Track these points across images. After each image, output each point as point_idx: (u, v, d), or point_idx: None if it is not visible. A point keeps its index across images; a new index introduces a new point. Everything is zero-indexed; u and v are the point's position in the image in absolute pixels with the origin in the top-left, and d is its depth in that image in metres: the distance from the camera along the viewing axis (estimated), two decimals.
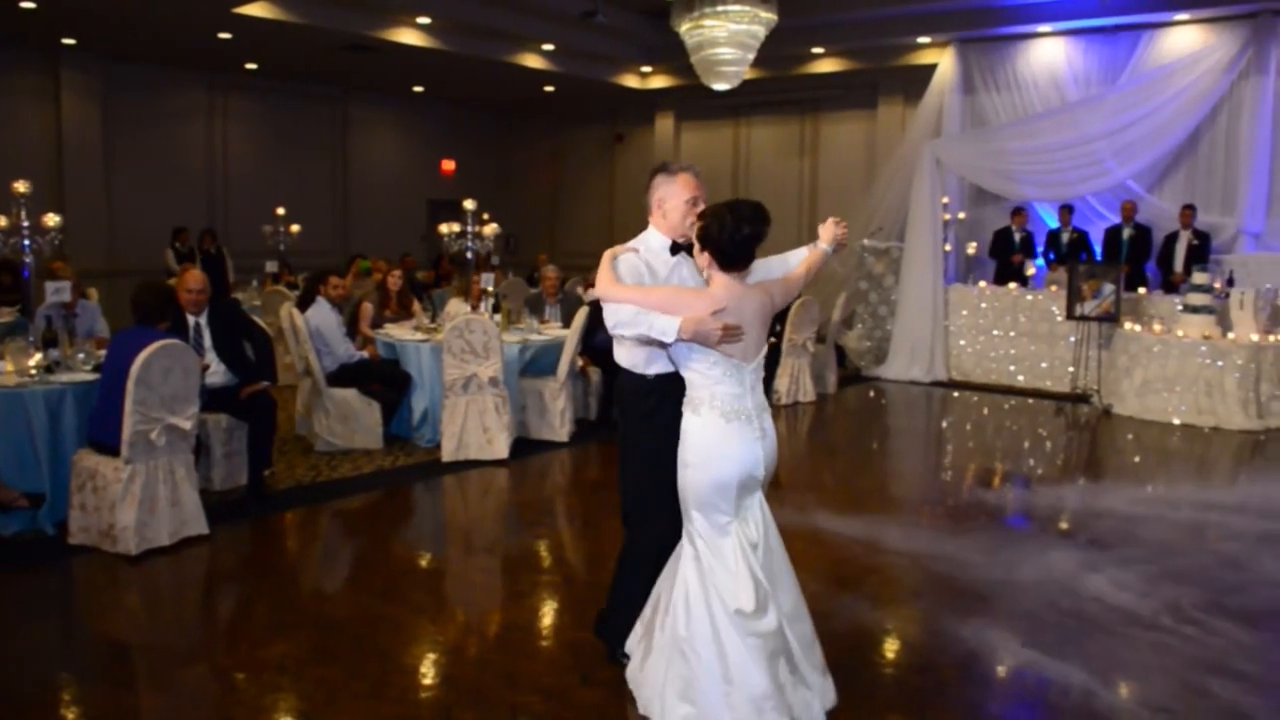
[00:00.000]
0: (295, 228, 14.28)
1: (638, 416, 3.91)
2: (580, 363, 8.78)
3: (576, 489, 7.43)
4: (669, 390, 3.74)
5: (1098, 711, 3.90)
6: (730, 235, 3.47)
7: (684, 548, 3.65)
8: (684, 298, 3.51)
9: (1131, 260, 11.92)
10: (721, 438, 3.52)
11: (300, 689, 3.98)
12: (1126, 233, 12.09)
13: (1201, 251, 11.54)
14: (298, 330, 7.85)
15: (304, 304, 8.10)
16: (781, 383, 10.36)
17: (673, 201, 3.78)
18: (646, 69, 17.03)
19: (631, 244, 3.85)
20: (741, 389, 3.56)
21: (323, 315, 7.99)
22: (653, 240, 3.85)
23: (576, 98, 18.48)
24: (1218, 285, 10.52)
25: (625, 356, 3.94)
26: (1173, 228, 11.91)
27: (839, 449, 9.16)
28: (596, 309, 9.12)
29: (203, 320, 6.63)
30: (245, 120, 16.90)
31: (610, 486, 7.45)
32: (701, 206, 3.71)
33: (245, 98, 16.83)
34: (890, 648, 4.54)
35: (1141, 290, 11.63)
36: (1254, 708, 3.94)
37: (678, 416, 3.64)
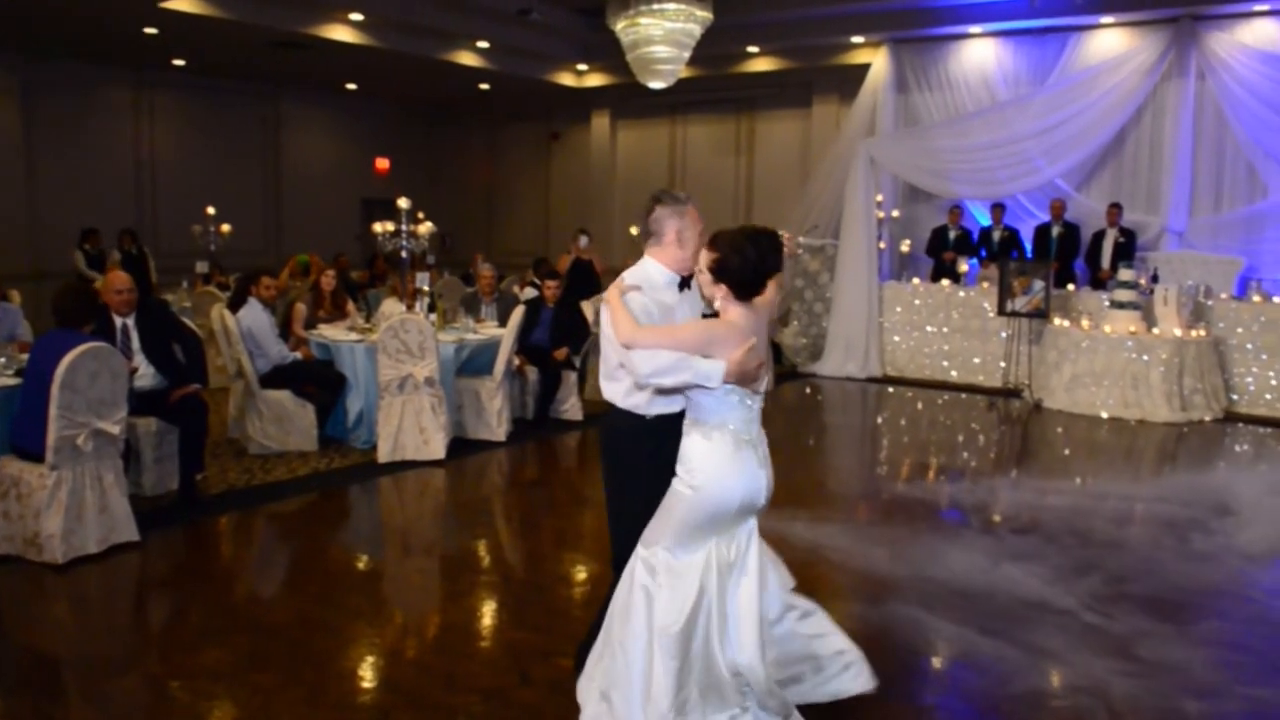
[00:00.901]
0: (226, 227, 14.03)
1: (640, 458, 3.66)
2: (517, 362, 8.74)
3: (514, 488, 7.40)
4: (670, 430, 3.57)
5: (1016, 695, 4.01)
6: (754, 268, 3.37)
7: (644, 552, 3.50)
8: (717, 333, 3.37)
9: (1060, 257, 12.15)
10: (729, 464, 3.41)
11: (235, 696, 3.92)
12: (1056, 230, 12.32)
13: (1127, 249, 11.80)
14: (229, 332, 7.73)
15: (235, 305, 7.97)
16: None
17: (689, 233, 3.61)
18: (582, 67, 17.00)
19: (630, 281, 3.62)
20: (750, 415, 3.48)
21: (255, 316, 7.86)
22: (654, 274, 3.65)
23: (512, 96, 18.39)
24: (1143, 282, 10.77)
25: (623, 396, 3.66)
26: (1100, 226, 12.16)
27: (775, 445, 9.20)
28: (532, 307, 9.13)
29: (130, 322, 6.49)
30: (173, 118, 16.57)
31: (547, 484, 7.46)
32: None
33: (173, 95, 16.50)
34: None
35: (1070, 287, 11.87)
36: (1136, 690, 4.06)
37: (675, 455, 3.52)
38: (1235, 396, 10.52)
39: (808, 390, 11.81)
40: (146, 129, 16.22)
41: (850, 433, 10.19)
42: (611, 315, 3.49)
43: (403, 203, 8.83)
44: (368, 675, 4.16)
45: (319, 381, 8.02)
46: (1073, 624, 4.72)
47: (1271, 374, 10.38)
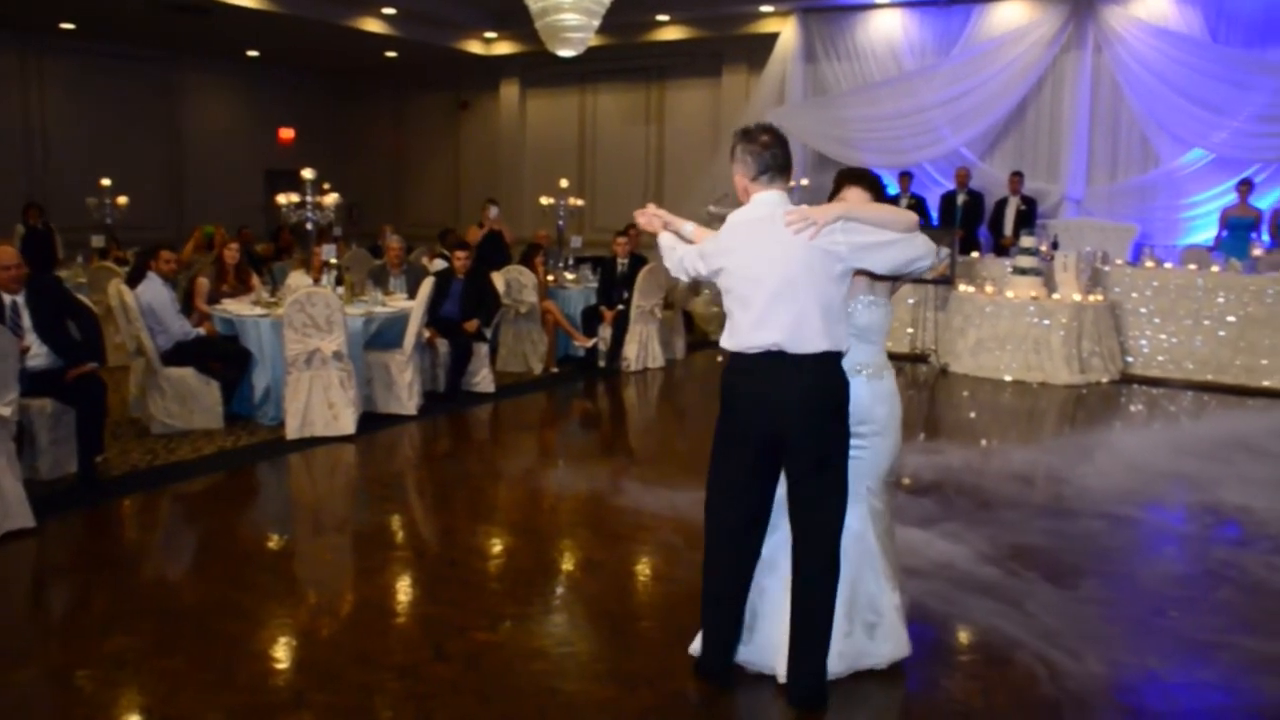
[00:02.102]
0: (122, 200, 13.57)
1: (845, 410, 3.59)
2: (427, 334, 8.65)
3: (426, 462, 7.34)
4: None
5: (924, 651, 4.10)
6: None
7: (880, 505, 3.86)
8: None
9: (965, 225, 12.41)
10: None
11: (142, 683, 3.83)
12: (960, 198, 12.58)
13: (1029, 216, 12.10)
14: (128, 308, 7.50)
15: (134, 280, 7.74)
16: (630, 349, 10.43)
17: None
18: (491, 34, 16.79)
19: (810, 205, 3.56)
20: None
21: (155, 291, 7.65)
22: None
23: (419, 64, 18.10)
24: (1044, 248, 11.06)
25: (846, 337, 3.57)
26: (1003, 194, 12.44)
27: (689, 414, 9.29)
28: (442, 279, 9.03)
29: (20, 299, 6.24)
30: (65, 86, 15.96)
31: (459, 457, 7.42)
32: None
33: (63, 61, 15.89)
34: None
35: (975, 254, 12.13)
36: (1013, 640, 4.22)
37: None
38: (1130, 359, 10.88)
39: (719, 358, 11.90)
40: (35, 97, 15.61)
41: None
42: (876, 216, 3.44)
43: (307, 173, 8.64)
44: (279, 656, 4.10)
45: (223, 358, 7.84)
46: (970, 582, 4.83)
47: (1164, 336, 10.76)
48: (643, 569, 5.18)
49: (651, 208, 3.96)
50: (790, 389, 3.45)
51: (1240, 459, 7.25)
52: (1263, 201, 11.54)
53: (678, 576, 4.95)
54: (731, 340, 3.59)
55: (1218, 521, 5.99)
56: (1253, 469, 6.99)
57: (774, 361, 3.46)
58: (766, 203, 3.50)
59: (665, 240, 3.90)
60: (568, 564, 5.28)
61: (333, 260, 8.48)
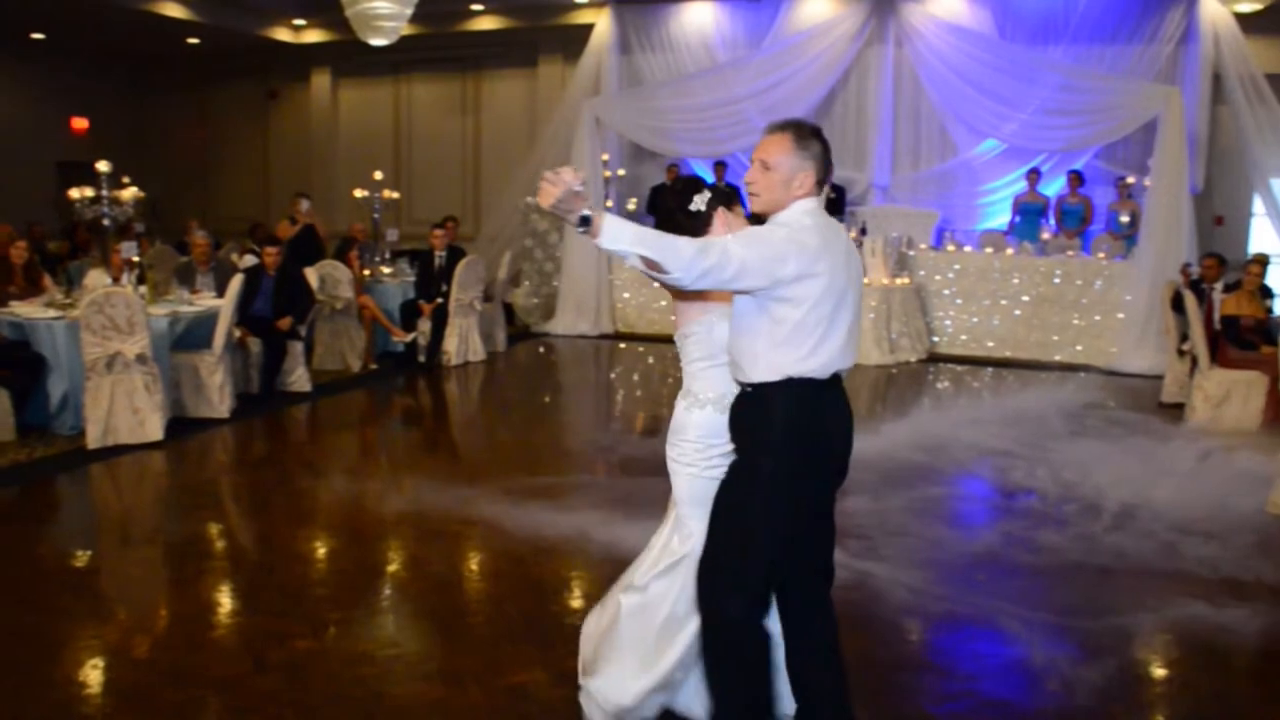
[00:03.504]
0: None
1: None
2: (238, 333, 8.34)
3: (240, 467, 7.08)
4: None
5: None
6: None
7: None
8: None
9: None
10: None
11: None
12: None
13: (838, 204, 12.54)
14: None
15: None
16: (450, 343, 10.30)
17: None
18: (300, 22, 16.25)
19: None
20: None
21: None
22: None
23: (224, 51, 17.35)
24: (853, 235, 11.48)
25: None
26: None
27: (512, 407, 9.26)
28: (252, 276, 8.72)
29: None
30: None
31: (276, 460, 7.24)
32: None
33: None
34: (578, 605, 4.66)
35: None
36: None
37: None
38: (936, 338, 11.45)
39: (541, 350, 11.90)
40: None
41: (588, 390, 10.36)
42: None
43: (103, 166, 8.19)
44: (84, 680, 3.88)
45: (13, 364, 7.36)
46: None
47: (966, 316, 11.38)
48: (468, 565, 5.15)
49: (568, 172, 2.72)
50: (849, 412, 3.11)
51: (1034, 430, 7.72)
52: (1050, 189, 12.28)
53: (503, 570, 4.95)
54: (810, 362, 2.93)
55: (1013, 492, 6.38)
56: (1046, 440, 7.45)
57: (838, 384, 3.05)
58: (818, 211, 3.13)
59: (631, 231, 2.75)
60: (392, 565, 5.19)
61: (134, 258, 8.08)
